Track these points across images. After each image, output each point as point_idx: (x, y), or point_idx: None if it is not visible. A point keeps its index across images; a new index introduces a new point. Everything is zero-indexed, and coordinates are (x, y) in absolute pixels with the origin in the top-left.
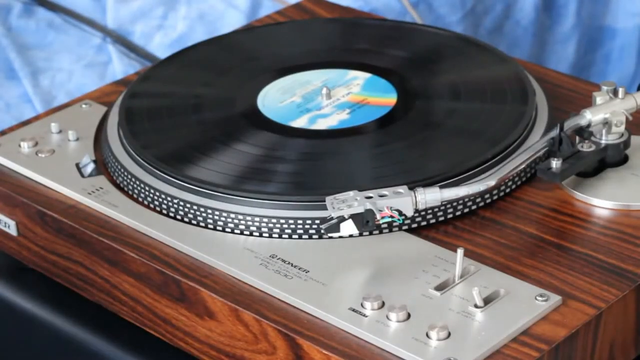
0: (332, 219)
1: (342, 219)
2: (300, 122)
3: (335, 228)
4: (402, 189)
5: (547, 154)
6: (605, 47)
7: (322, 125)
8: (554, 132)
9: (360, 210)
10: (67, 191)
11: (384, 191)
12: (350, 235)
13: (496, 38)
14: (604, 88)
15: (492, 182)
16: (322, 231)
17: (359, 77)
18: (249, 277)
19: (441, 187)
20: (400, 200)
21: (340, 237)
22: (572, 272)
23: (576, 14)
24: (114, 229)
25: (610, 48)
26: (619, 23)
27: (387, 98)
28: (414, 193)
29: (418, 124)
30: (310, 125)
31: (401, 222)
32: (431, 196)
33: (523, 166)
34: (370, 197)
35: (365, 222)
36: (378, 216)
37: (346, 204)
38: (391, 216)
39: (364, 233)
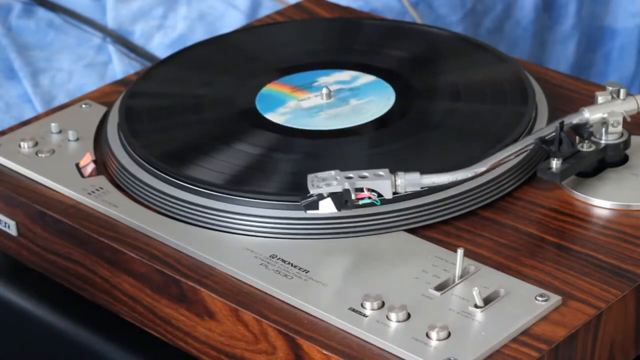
0: (311, 196)
1: (321, 196)
2: (272, 116)
3: (314, 205)
4: (383, 172)
5: (547, 154)
6: (605, 47)
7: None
8: (552, 126)
9: (339, 189)
10: (67, 191)
11: (365, 172)
12: (350, 235)
13: (496, 38)
14: (609, 88)
15: (477, 170)
16: (301, 207)
17: (361, 78)
18: (249, 277)
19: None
20: (380, 182)
21: (322, 216)
22: (572, 272)
23: (576, 14)
24: (114, 229)
25: (610, 48)
26: (619, 23)
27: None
28: (394, 176)
29: (418, 124)
30: (279, 119)
31: (379, 204)
32: (411, 179)
33: (512, 158)
34: (351, 178)
35: (344, 201)
36: (353, 197)
37: (325, 182)
38: (369, 197)
39: (364, 233)
